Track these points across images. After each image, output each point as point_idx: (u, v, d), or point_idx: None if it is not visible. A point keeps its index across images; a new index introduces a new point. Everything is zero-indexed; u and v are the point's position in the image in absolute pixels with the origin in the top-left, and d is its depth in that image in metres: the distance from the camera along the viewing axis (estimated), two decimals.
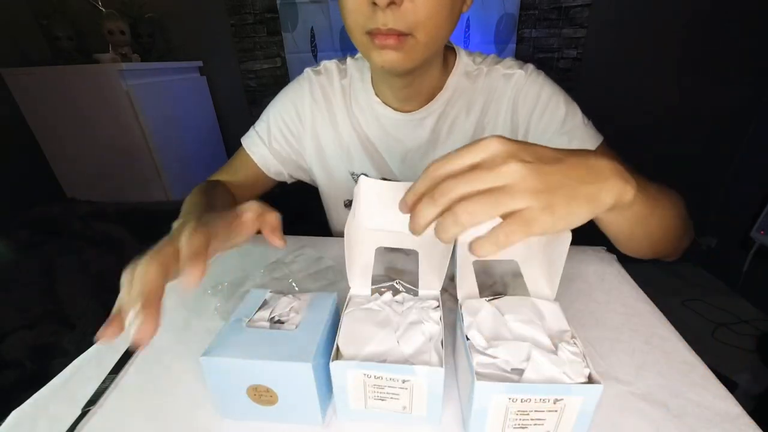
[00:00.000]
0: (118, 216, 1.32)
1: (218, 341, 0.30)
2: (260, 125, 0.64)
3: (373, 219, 0.41)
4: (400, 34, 0.42)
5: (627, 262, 0.53)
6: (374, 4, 0.40)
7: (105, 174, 1.54)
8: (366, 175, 0.62)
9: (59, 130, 1.46)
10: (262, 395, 0.30)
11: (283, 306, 0.34)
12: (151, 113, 1.45)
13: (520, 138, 0.56)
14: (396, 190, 0.40)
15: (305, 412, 0.30)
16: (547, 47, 1.58)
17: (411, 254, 0.40)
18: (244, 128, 0.66)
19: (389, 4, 0.40)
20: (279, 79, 1.78)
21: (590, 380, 0.26)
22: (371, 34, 0.43)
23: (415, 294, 0.36)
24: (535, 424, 0.27)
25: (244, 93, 1.83)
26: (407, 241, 0.40)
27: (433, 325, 0.31)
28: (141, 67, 1.48)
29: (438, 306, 0.34)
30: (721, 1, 1.42)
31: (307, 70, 0.63)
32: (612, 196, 0.26)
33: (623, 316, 0.43)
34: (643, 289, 0.47)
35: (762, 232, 1.44)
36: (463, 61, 0.57)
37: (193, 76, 1.76)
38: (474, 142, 0.26)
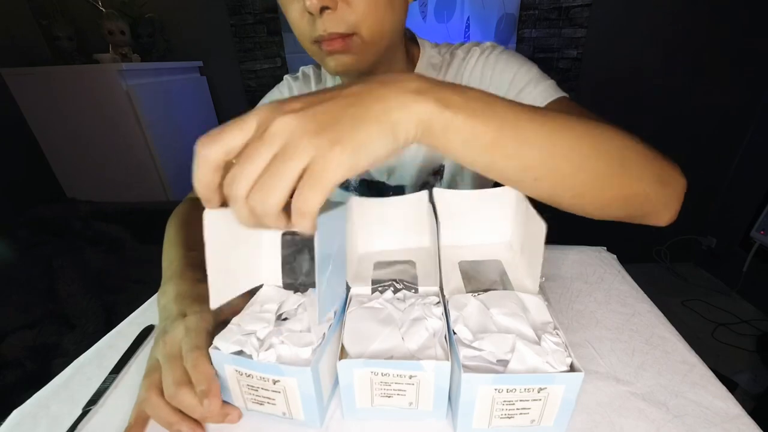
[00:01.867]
0: (118, 216, 1.32)
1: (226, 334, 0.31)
2: None
3: (370, 239, 0.42)
4: (344, 36, 0.42)
5: (627, 262, 0.53)
6: (311, 13, 0.40)
7: (105, 174, 1.53)
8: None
9: (59, 130, 1.46)
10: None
11: (292, 303, 0.34)
12: (151, 113, 1.45)
13: None
14: (386, 207, 0.41)
15: (305, 415, 0.30)
16: (547, 47, 1.58)
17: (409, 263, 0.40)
18: None
19: (322, 10, 0.40)
20: (279, 79, 1.77)
21: (572, 369, 0.27)
22: (318, 42, 0.43)
23: (415, 291, 0.36)
24: (521, 413, 0.27)
25: (244, 93, 1.83)
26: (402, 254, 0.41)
27: (436, 320, 0.32)
28: (141, 67, 1.48)
29: (439, 302, 0.34)
30: (721, 1, 1.42)
31: (286, 77, 0.65)
32: (407, 113, 0.24)
33: (623, 316, 0.43)
34: (643, 289, 0.47)
35: (762, 232, 1.45)
36: (428, 53, 0.57)
37: (193, 76, 1.76)
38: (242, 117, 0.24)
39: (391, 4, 0.44)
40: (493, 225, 0.41)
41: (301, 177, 0.22)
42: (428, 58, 0.57)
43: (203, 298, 0.33)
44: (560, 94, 0.51)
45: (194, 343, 0.31)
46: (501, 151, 0.27)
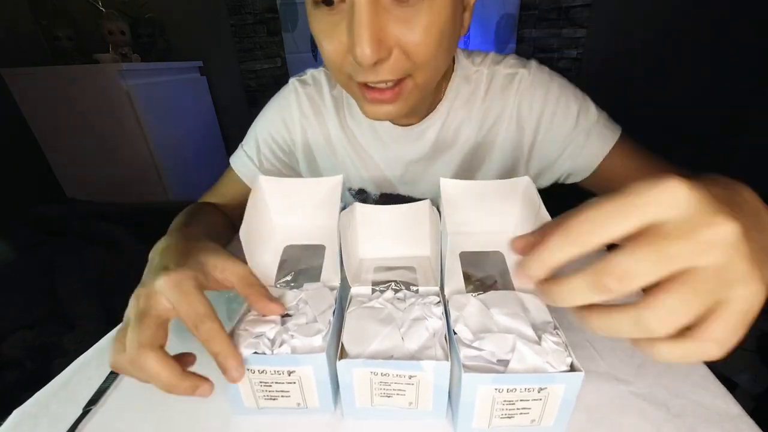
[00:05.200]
0: (118, 216, 1.32)
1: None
2: (248, 144, 0.60)
3: (371, 246, 0.42)
4: (395, 83, 0.38)
5: None
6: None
7: (105, 174, 1.54)
8: (364, 190, 0.60)
9: (59, 130, 1.46)
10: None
11: (291, 299, 0.34)
12: (151, 113, 1.45)
13: (526, 145, 0.53)
14: (388, 214, 0.41)
15: (319, 402, 0.31)
16: (547, 47, 1.59)
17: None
18: (244, 128, 0.64)
19: (376, 63, 0.35)
20: (279, 79, 1.78)
21: (572, 368, 0.27)
22: (361, 85, 0.39)
23: (416, 291, 0.36)
24: (521, 413, 0.28)
25: (244, 93, 1.83)
26: (399, 262, 0.41)
27: (436, 320, 0.32)
28: (141, 67, 1.48)
29: (439, 302, 0.34)
30: (721, 1, 1.42)
31: (293, 81, 0.59)
32: None
33: None
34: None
35: None
36: (462, 64, 0.53)
37: (193, 76, 1.76)
38: (641, 186, 0.17)
39: (450, 45, 0.39)
40: (498, 215, 0.40)
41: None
42: (463, 69, 0.52)
43: (193, 252, 0.32)
44: (618, 128, 0.51)
45: (182, 298, 0.27)
46: None
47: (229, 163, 0.62)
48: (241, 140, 0.63)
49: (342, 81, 0.41)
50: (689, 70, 1.54)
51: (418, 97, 0.42)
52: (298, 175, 0.63)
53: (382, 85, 0.38)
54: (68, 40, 1.54)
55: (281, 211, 0.42)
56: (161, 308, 0.28)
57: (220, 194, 0.60)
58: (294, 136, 0.59)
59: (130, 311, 0.29)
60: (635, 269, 0.17)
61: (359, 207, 0.40)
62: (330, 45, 0.37)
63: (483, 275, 0.39)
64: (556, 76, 0.52)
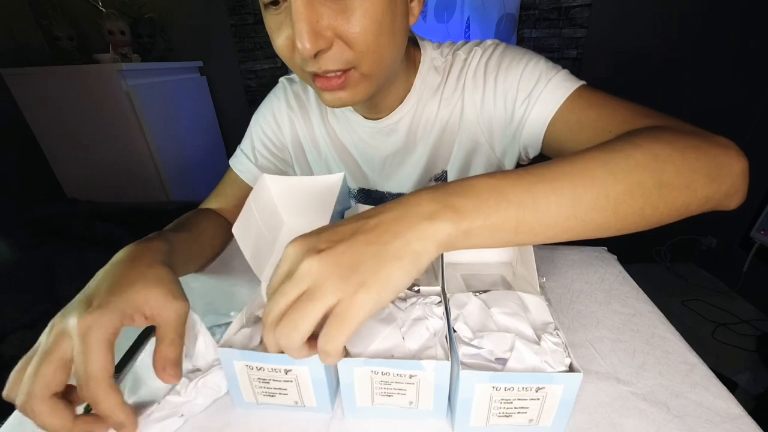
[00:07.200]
0: (118, 216, 1.32)
1: (232, 332, 0.32)
2: (245, 143, 0.63)
3: None
4: (340, 73, 0.40)
5: (627, 262, 0.53)
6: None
7: (105, 174, 1.53)
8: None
9: (59, 130, 1.46)
10: None
11: None
12: (152, 113, 1.45)
13: (484, 124, 0.52)
14: None
15: (316, 401, 0.31)
16: (547, 47, 1.59)
17: None
18: (244, 128, 0.65)
19: (317, 54, 0.37)
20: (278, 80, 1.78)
21: (571, 369, 0.27)
22: (312, 75, 0.41)
23: (417, 291, 0.36)
24: (518, 412, 0.28)
25: (244, 93, 1.83)
26: None
27: (437, 320, 0.32)
28: (141, 67, 1.48)
29: (440, 302, 0.34)
30: (720, 1, 1.42)
31: (282, 80, 0.63)
32: (426, 242, 0.24)
33: (623, 316, 0.43)
34: (643, 289, 0.47)
35: (762, 232, 1.45)
36: (430, 56, 0.54)
37: (193, 76, 1.76)
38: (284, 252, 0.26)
39: (392, 34, 0.40)
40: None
41: (325, 316, 0.23)
42: (430, 60, 0.54)
43: (133, 283, 0.31)
44: (575, 84, 0.46)
45: (88, 369, 0.26)
46: (527, 230, 0.26)
47: (229, 165, 0.63)
48: (241, 140, 0.65)
49: (297, 72, 0.43)
50: (690, 69, 1.54)
51: (369, 87, 0.43)
52: (292, 168, 0.65)
53: (331, 74, 0.41)
54: (68, 40, 1.53)
55: (288, 210, 0.42)
56: (63, 352, 0.27)
57: (221, 196, 0.61)
58: (284, 129, 0.62)
59: (42, 338, 0.29)
60: (268, 310, 0.25)
61: (361, 208, 0.40)
62: (278, 39, 0.40)
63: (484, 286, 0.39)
64: (509, 46, 0.51)
